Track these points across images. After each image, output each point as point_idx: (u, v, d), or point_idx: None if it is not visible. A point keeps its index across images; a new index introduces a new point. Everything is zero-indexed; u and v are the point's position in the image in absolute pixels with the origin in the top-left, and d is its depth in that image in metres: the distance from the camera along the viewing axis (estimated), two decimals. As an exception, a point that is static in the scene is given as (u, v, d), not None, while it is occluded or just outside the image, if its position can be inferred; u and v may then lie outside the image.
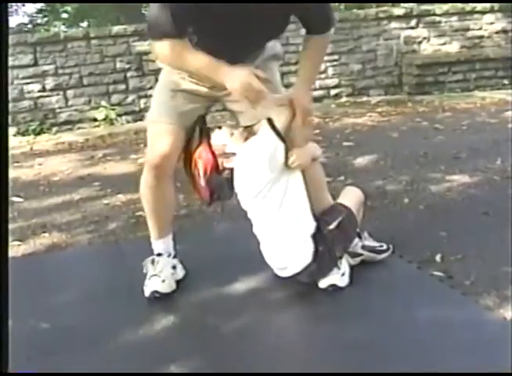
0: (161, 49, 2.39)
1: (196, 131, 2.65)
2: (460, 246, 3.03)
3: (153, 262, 2.78)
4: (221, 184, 2.55)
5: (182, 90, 2.63)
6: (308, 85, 2.74)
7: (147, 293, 2.69)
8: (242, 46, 2.50)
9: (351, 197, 2.86)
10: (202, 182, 2.57)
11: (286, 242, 2.54)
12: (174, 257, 2.85)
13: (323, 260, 2.56)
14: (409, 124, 6.41)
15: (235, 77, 2.32)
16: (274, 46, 2.76)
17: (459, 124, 6.25)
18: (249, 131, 2.58)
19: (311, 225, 2.56)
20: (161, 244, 2.82)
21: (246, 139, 2.55)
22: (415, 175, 4.42)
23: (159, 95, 2.74)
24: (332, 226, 2.59)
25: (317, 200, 2.66)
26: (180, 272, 2.84)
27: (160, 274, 2.73)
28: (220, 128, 2.61)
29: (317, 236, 2.55)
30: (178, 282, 2.79)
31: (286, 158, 2.49)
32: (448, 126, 6.20)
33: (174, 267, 2.80)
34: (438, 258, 2.93)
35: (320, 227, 2.58)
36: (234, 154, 2.52)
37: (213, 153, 2.55)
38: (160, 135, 2.62)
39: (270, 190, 2.47)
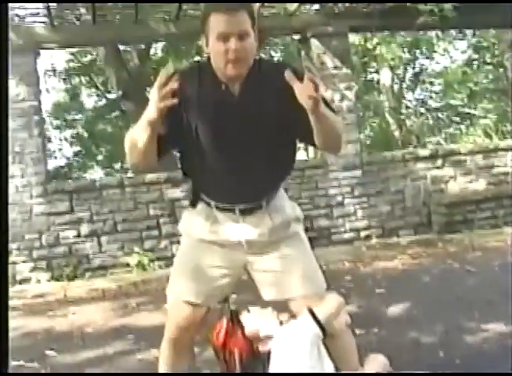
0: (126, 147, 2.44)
1: (223, 313, 2.65)
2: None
3: None
4: (257, 367, 2.51)
5: (206, 265, 2.64)
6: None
7: None
8: (248, 182, 2.52)
9: (375, 368, 2.81)
10: (238, 368, 2.54)
11: None
12: None
13: None
14: (441, 267, 6.39)
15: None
16: (294, 208, 2.75)
17: (491, 264, 6.21)
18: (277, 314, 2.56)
19: None
20: None
21: (279, 320, 2.52)
22: (449, 324, 4.36)
23: (180, 267, 2.73)
24: None
25: (346, 364, 2.61)
26: None
27: None
28: (249, 311, 2.58)
29: None
30: None
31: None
32: (479, 267, 6.17)
33: None
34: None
35: None
36: (269, 337, 2.45)
37: (247, 339, 2.51)
38: (181, 312, 2.63)
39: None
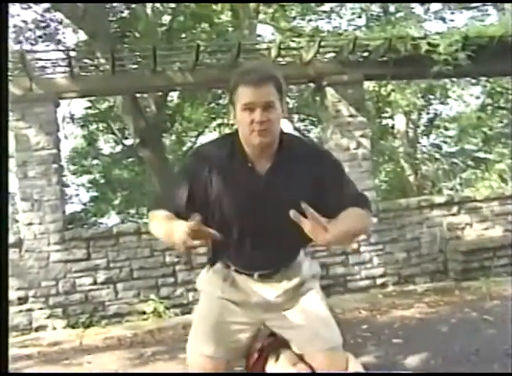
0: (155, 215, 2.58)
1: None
2: None
3: None
4: None
5: (224, 321, 2.67)
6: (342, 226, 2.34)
7: None
8: (269, 254, 2.58)
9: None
10: None
11: None
12: None
13: None
14: (458, 316, 6.34)
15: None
16: (311, 266, 2.79)
17: (509, 314, 6.16)
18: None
19: None
20: None
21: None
22: (468, 376, 4.33)
23: (199, 322, 2.76)
24: None
25: None
26: None
27: None
28: (277, 358, 2.62)
29: None
30: None
31: None
32: (497, 317, 6.11)
33: None
34: None
35: None
36: None
37: None
38: (202, 367, 2.66)
39: None
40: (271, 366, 2.64)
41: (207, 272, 2.78)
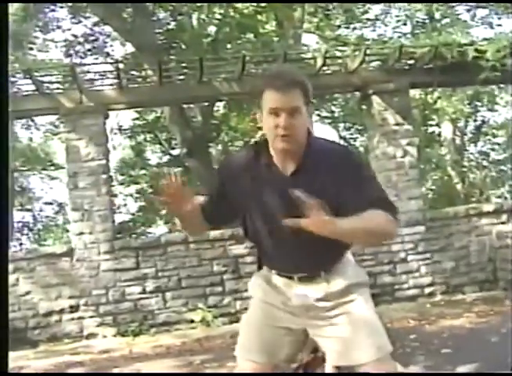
0: None
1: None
2: None
3: None
4: None
5: (268, 325, 2.67)
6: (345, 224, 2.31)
7: None
8: (306, 257, 2.58)
9: None
10: None
11: None
12: None
13: None
14: (509, 326, 6.23)
15: None
16: (357, 273, 2.73)
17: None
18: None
19: None
20: None
21: None
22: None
23: (246, 327, 2.78)
24: None
25: None
26: None
27: None
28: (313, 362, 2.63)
29: None
30: None
31: None
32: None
33: None
34: None
35: None
36: None
37: None
38: (247, 371, 2.66)
39: None
40: None
41: (255, 275, 2.82)
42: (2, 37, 2.19)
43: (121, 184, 18.87)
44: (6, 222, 2.07)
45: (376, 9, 16.53)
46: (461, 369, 4.84)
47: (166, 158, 18.53)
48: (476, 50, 7.99)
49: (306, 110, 2.45)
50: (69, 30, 14.65)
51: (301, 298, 2.62)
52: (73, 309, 7.64)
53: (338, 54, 8.91)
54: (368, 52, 8.21)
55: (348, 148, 2.50)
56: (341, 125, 20.34)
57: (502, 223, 8.67)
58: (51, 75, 7.85)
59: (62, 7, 13.59)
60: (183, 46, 13.42)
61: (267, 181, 2.52)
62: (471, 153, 20.80)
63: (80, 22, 14.17)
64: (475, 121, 20.34)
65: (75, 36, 14.50)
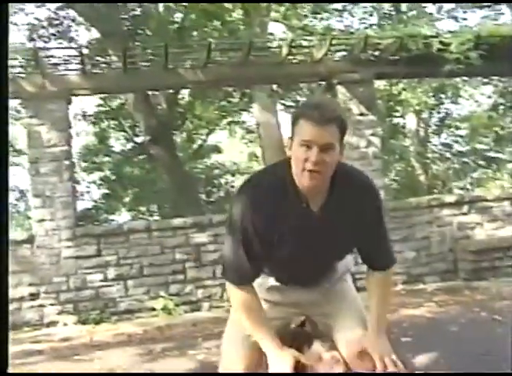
0: (234, 294, 2.53)
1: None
2: None
3: None
4: None
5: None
6: (380, 325, 2.64)
7: None
8: (309, 272, 2.64)
9: None
10: None
11: None
12: None
13: None
14: (468, 316, 6.31)
15: (279, 362, 2.42)
16: (346, 264, 2.86)
17: (519, 314, 6.15)
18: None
19: None
20: None
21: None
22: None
23: (229, 345, 2.77)
24: None
25: None
26: None
27: None
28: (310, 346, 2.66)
29: None
30: None
31: None
32: (507, 316, 6.08)
33: None
34: None
35: None
36: None
37: None
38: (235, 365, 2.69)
39: None
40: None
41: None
42: (2, 37, 2.14)
43: (84, 171, 18.68)
44: (6, 221, 2.03)
45: (343, -1, 16.55)
46: (420, 358, 4.89)
47: (130, 145, 18.41)
48: (441, 42, 8.03)
49: (339, 146, 2.34)
50: (32, 13, 14.43)
51: (298, 298, 2.75)
52: (34, 296, 7.54)
53: (304, 43, 8.88)
54: (334, 42, 8.21)
55: (369, 181, 2.49)
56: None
57: (464, 214, 8.78)
58: (13, 59, 7.69)
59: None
60: (149, 33, 13.30)
61: (294, 217, 2.41)
62: (435, 145, 21.00)
63: (43, 5, 13.94)
64: (439, 113, 20.54)
65: (39, 19, 14.27)
